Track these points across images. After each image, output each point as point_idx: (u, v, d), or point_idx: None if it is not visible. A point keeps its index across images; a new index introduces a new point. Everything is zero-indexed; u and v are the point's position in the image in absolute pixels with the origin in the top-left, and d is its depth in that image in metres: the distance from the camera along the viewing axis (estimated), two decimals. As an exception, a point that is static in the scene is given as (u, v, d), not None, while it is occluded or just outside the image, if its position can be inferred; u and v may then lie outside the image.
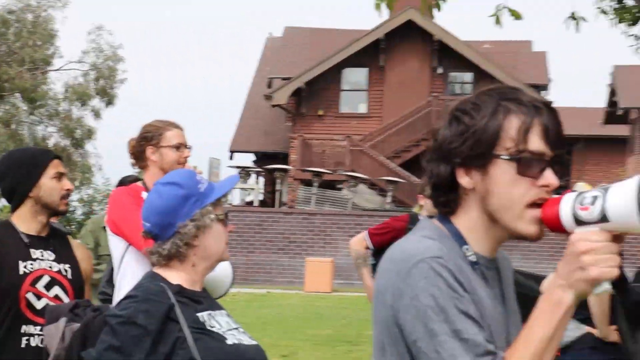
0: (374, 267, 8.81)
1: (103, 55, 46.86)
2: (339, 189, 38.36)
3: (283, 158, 42.23)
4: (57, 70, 47.24)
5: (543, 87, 44.42)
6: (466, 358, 2.21)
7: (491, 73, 42.45)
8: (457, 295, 2.26)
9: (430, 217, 2.61)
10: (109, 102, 47.62)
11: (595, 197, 2.18)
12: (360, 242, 8.92)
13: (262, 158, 44.07)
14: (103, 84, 46.66)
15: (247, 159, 46.78)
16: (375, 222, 29.72)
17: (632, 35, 16.36)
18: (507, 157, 2.32)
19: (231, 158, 46.39)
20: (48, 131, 46.71)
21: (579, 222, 2.20)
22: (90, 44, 48.43)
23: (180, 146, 6.03)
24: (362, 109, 44.06)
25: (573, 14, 14.02)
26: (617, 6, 15.85)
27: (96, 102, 47.00)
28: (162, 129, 6.05)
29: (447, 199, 2.47)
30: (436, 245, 2.36)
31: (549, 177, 2.32)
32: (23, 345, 4.95)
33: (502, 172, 2.34)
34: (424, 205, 8.66)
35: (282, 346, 14.68)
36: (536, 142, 2.32)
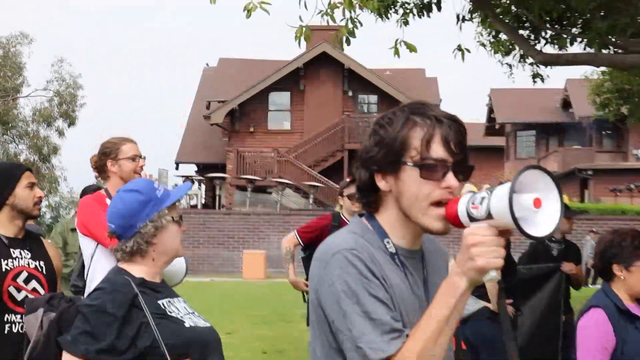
0: (305, 260, 8.87)
1: (65, 84, 46.20)
2: (269, 193, 38.19)
3: (221, 168, 41.78)
4: (25, 97, 46.53)
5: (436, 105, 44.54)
6: (374, 335, 2.26)
7: (392, 95, 42.37)
8: (367, 281, 2.31)
9: (361, 215, 2.64)
10: (71, 123, 46.77)
11: (483, 198, 2.23)
12: (291, 240, 8.79)
13: (203, 168, 43.56)
14: (65, 108, 45.81)
15: (190, 169, 46.07)
16: (300, 220, 29.71)
17: (506, 63, 16.47)
18: (411, 164, 2.38)
19: (177, 168, 45.45)
20: (19, 148, 45.86)
21: (472, 219, 2.26)
22: (53, 74, 47.61)
23: (136, 157, 5.98)
24: (287, 125, 43.77)
25: (459, 45, 13.98)
26: (493, 40, 15.99)
27: (60, 123, 46.27)
28: (119, 144, 6.00)
29: (370, 200, 2.54)
30: (353, 238, 2.44)
31: (450, 180, 2.38)
32: (6, 332, 4.86)
33: (409, 176, 2.40)
34: (343, 205, 8.70)
35: (226, 325, 14.26)
36: (437, 150, 2.38)
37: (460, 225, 2.34)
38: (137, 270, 3.70)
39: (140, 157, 6.05)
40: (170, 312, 3.69)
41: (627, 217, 32.70)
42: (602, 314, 4.92)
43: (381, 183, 2.48)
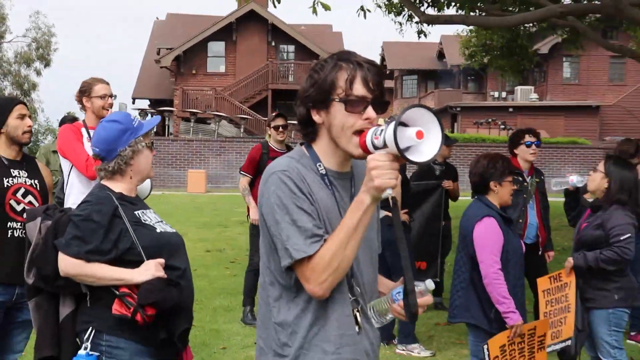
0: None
1: (41, 32, 45.41)
2: (208, 124, 37.99)
3: (169, 102, 41.44)
4: (8, 42, 45.67)
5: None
6: (298, 238, 2.39)
7: (307, 45, 42.30)
8: (295, 196, 2.42)
9: (302, 143, 2.69)
10: (47, 64, 46.16)
11: (382, 130, 2.28)
12: (242, 180, 8.59)
13: (155, 103, 43.05)
14: (42, 52, 45.17)
15: (144, 104, 45.69)
16: (234, 145, 29.58)
17: (397, 22, 16.44)
18: (338, 100, 2.46)
19: (133, 103, 44.99)
20: (3, 84, 45.13)
21: (375, 147, 2.31)
22: (31, 24, 46.99)
23: (105, 96, 5.85)
24: (222, 69, 43.39)
25: (362, 6, 14.02)
26: (387, 3, 15.95)
27: (37, 64, 45.56)
28: (92, 84, 5.89)
29: (308, 131, 2.61)
30: (288, 162, 2.53)
31: (369, 112, 2.44)
32: (9, 236, 4.88)
33: (337, 110, 2.46)
34: (271, 135, 8.62)
35: (177, 229, 14.54)
36: (359, 89, 2.45)
37: (369, 153, 2.37)
38: (117, 186, 3.77)
39: (111, 96, 5.93)
40: (145, 221, 3.77)
41: (486, 144, 33.46)
42: (494, 221, 5.08)
43: (316, 117, 2.56)
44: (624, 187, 5.58)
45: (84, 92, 5.90)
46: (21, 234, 4.92)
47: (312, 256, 2.38)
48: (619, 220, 5.49)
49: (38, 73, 46.55)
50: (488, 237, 5.05)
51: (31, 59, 44.82)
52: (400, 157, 2.27)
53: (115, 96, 6.10)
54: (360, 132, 2.45)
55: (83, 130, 5.81)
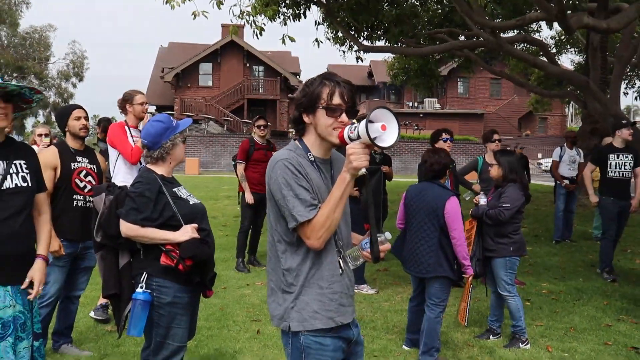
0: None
1: (76, 55, 44.66)
2: (200, 124, 37.66)
3: (171, 108, 41.02)
4: (52, 63, 44.87)
5: (297, 74, 44.32)
6: (300, 207, 2.49)
7: (272, 67, 42.17)
8: (296, 177, 2.51)
9: (295, 138, 2.74)
10: (80, 79, 45.47)
11: (355, 127, 2.41)
12: (239, 167, 8.42)
13: (159, 108, 42.45)
14: (77, 70, 44.52)
15: (152, 108, 45.31)
16: (219, 139, 29.08)
17: (341, 50, 16.26)
18: (321, 107, 2.57)
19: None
20: (49, 94, 44.34)
21: (351, 139, 2.44)
22: (69, 49, 46.61)
23: (143, 103, 6.00)
24: (210, 83, 42.99)
25: (316, 38, 14.07)
26: (334, 36, 15.87)
27: (73, 79, 44.84)
28: (133, 95, 6.01)
29: (299, 128, 2.69)
30: (288, 153, 2.59)
31: (343, 117, 2.56)
32: (74, 205, 4.92)
33: (321, 115, 2.57)
34: (255, 132, 8.54)
35: None
36: (337, 100, 2.55)
37: (346, 144, 2.48)
38: (159, 169, 3.84)
39: (146, 103, 6.08)
40: (180, 195, 3.84)
41: (404, 140, 33.97)
42: (457, 199, 5.16)
43: (306, 119, 2.65)
44: (511, 169, 5.70)
45: (127, 100, 6.01)
46: (83, 204, 5.00)
47: (311, 220, 2.48)
48: (510, 194, 5.62)
49: (74, 86, 45.87)
50: (457, 211, 5.09)
51: (69, 75, 44.06)
52: (371, 145, 2.38)
53: (148, 103, 6.22)
54: (337, 130, 2.56)
55: (126, 128, 5.92)
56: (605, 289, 7.86)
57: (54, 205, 4.83)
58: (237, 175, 8.66)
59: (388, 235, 2.68)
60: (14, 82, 3.30)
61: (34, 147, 7.87)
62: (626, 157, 8.40)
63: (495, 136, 8.08)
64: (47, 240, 3.59)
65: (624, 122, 8.72)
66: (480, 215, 5.74)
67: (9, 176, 3.29)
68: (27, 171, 3.42)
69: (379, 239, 2.64)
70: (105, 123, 8.19)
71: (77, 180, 4.99)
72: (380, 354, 5.42)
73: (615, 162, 8.37)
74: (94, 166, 5.17)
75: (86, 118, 5.15)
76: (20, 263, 3.35)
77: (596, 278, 8.49)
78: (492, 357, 5.44)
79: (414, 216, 5.26)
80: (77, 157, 5.07)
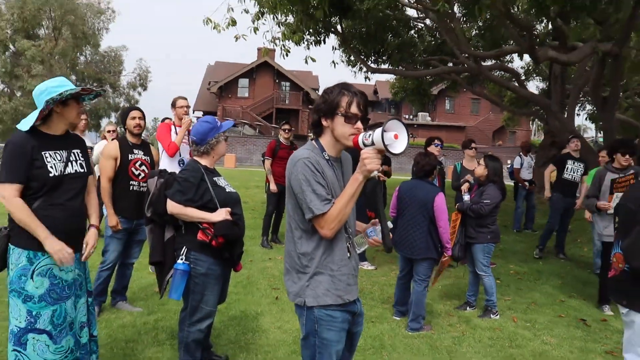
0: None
1: (142, 70, 44.77)
2: (237, 127, 37.72)
3: (215, 114, 40.96)
4: (123, 76, 45.03)
5: (316, 89, 44.20)
6: (317, 201, 2.37)
7: (297, 82, 42.06)
8: (314, 174, 2.39)
9: (312, 139, 2.61)
10: (145, 89, 45.48)
11: (369, 134, 2.30)
12: (266, 163, 8.30)
13: (206, 114, 42.60)
14: (142, 82, 44.61)
15: (199, 113, 45.41)
16: (251, 139, 28.92)
17: (352, 70, 16.28)
18: (340, 115, 2.44)
19: (193, 113, 44.83)
20: (120, 100, 44.46)
21: (365, 145, 2.32)
22: (136, 65, 47.20)
23: (182, 107, 6.01)
24: (246, 95, 42.88)
25: (333, 60, 14.20)
26: (347, 59, 15.81)
27: (139, 89, 44.96)
28: (176, 100, 6.08)
29: (317, 130, 2.54)
30: (307, 152, 2.45)
31: (359, 125, 2.43)
32: (131, 189, 4.87)
33: (339, 121, 2.44)
34: (281, 134, 8.43)
35: None
36: (354, 108, 2.43)
37: (360, 148, 2.36)
38: (204, 161, 3.77)
39: (187, 107, 6.11)
40: (219, 184, 3.76)
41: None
42: (443, 195, 5.13)
43: (324, 122, 2.50)
44: (496, 172, 5.67)
45: (172, 104, 6.14)
46: (137, 189, 4.93)
47: (326, 213, 2.38)
48: (491, 193, 5.58)
49: (139, 94, 46.02)
50: (444, 205, 5.07)
51: (136, 85, 44.19)
52: (383, 151, 2.27)
53: (190, 107, 6.22)
54: (352, 135, 2.44)
55: (172, 127, 6.03)
56: (560, 271, 7.89)
57: (115, 189, 4.91)
58: (264, 168, 8.55)
59: (390, 224, 2.62)
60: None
61: (103, 140, 7.95)
62: (579, 165, 8.60)
63: (472, 144, 8.24)
64: (97, 213, 3.52)
65: (570, 137, 9.18)
66: (465, 209, 5.67)
67: (69, 163, 3.24)
68: (83, 159, 3.36)
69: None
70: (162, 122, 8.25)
71: (133, 169, 4.93)
72: (377, 320, 5.34)
73: (571, 167, 8.57)
74: (148, 157, 5.10)
75: (140, 118, 5.06)
76: (79, 235, 3.33)
77: (553, 262, 8.55)
78: (469, 325, 5.37)
79: (407, 208, 5.18)
80: (134, 149, 5.01)
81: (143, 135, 5.25)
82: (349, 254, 2.55)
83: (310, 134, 43.64)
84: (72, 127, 3.38)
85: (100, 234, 5.49)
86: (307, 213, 2.41)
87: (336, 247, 2.50)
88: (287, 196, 2.56)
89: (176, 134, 5.95)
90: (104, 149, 5.03)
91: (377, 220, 2.68)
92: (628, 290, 3.15)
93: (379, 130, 2.25)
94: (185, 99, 6.15)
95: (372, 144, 2.30)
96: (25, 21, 35.50)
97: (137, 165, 4.95)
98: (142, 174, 4.96)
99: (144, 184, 4.91)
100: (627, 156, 5.95)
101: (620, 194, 5.71)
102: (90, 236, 3.37)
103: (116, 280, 5.20)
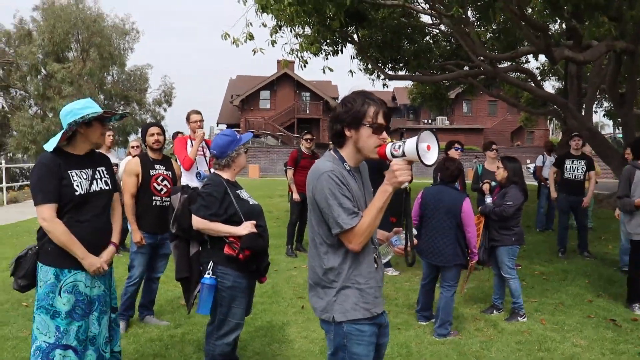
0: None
1: (166, 86, 44.88)
2: (260, 138, 37.81)
3: (237, 125, 41.18)
4: (149, 93, 45.24)
5: (335, 98, 44.13)
6: (344, 215, 2.24)
7: (316, 92, 42.16)
8: (340, 187, 2.26)
9: (331, 149, 2.49)
10: (169, 105, 45.55)
11: (400, 145, 2.20)
12: (289, 172, 8.23)
13: (229, 126, 42.67)
14: (166, 98, 44.67)
15: (223, 126, 45.56)
16: (274, 150, 29.08)
17: (370, 78, 16.27)
18: (368, 126, 2.31)
19: (217, 125, 44.67)
20: (146, 116, 44.57)
21: (394, 156, 2.22)
22: (161, 82, 47.50)
23: (196, 121, 5.94)
24: (268, 106, 43.00)
25: (350, 70, 14.14)
26: (365, 67, 15.73)
27: (164, 105, 45.14)
28: (190, 114, 6.01)
29: (340, 141, 2.40)
30: (330, 164, 2.33)
31: (384, 135, 2.33)
32: (153, 204, 4.81)
33: (365, 131, 2.31)
34: (303, 144, 8.36)
35: None
36: (381, 119, 2.32)
37: (386, 159, 2.28)
38: (225, 174, 3.69)
39: (201, 120, 6.02)
40: (242, 197, 3.68)
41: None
42: (469, 200, 4.98)
43: (347, 133, 2.37)
44: (515, 173, 5.52)
45: (187, 118, 6.09)
46: (160, 204, 4.87)
47: (354, 227, 2.26)
48: (513, 194, 5.41)
49: (165, 110, 46.25)
50: (471, 210, 4.95)
51: (161, 102, 44.33)
52: (412, 162, 2.21)
53: (203, 120, 6.11)
54: (378, 146, 2.32)
55: (188, 140, 5.94)
56: (586, 270, 7.62)
57: (138, 205, 4.86)
58: (287, 178, 8.49)
59: (414, 231, 2.57)
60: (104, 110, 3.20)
61: (129, 157, 7.97)
62: (579, 162, 8.46)
63: (494, 146, 8.16)
64: (118, 231, 3.44)
65: (573, 134, 9.04)
66: (487, 212, 5.51)
67: (95, 181, 3.23)
68: (108, 176, 3.34)
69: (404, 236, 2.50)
70: (176, 135, 8.32)
71: (155, 184, 4.87)
72: (402, 327, 5.18)
73: (570, 166, 8.46)
74: (170, 172, 5.02)
75: (159, 134, 4.98)
76: (102, 252, 3.27)
77: (578, 261, 8.27)
78: (496, 329, 5.18)
79: (432, 214, 5.01)
80: (155, 165, 4.94)
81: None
82: (376, 265, 2.44)
83: (331, 143, 43.37)
84: (97, 146, 3.34)
85: (126, 248, 5.44)
86: (334, 228, 2.29)
87: (363, 260, 2.38)
88: (309, 210, 2.43)
89: (191, 147, 5.91)
90: (125, 166, 4.99)
91: (400, 228, 2.58)
92: None
93: (411, 142, 2.16)
94: (199, 113, 6.10)
95: (403, 155, 2.20)
96: (55, 45, 36.00)
97: (159, 180, 4.89)
98: (165, 189, 4.89)
99: (167, 199, 4.85)
100: None
101: None
102: (106, 252, 3.27)
103: (143, 294, 5.13)
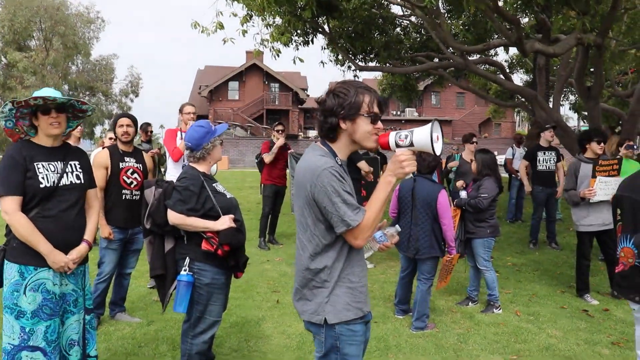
0: (258, 163, 8.62)
1: (133, 77, 44.26)
2: (229, 129, 37.50)
3: (206, 117, 40.77)
4: (116, 83, 44.49)
5: (305, 89, 43.91)
6: (350, 212, 2.13)
7: (286, 83, 41.86)
8: (341, 184, 2.16)
9: (317, 142, 2.36)
10: (136, 95, 44.81)
11: (407, 135, 2.16)
12: (267, 155, 8.05)
13: (198, 117, 42.42)
14: (133, 88, 44.05)
15: (191, 117, 45.23)
16: (243, 141, 28.77)
17: (341, 69, 16.27)
18: (366, 115, 2.21)
19: (184, 117, 44.63)
20: (112, 107, 43.89)
21: (398, 146, 2.17)
22: (128, 72, 46.85)
23: (189, 113, 5.87)
24: (237, 97, 42.61)
25: (321, 60, 14.10)
26: (336, 58, 15.69)
27: (131, 95, 44.42)
28: (184, 106, 5.94)
29: (332, 134, 2.27)
30: (326, 160, 2.20)
31: (380, 124, 2.24)
32: (123, 198, 4.65)
33: (362, 122, 2.21)
34: (275, 135, 8.22)
35: None
36: (376, 108, 2.23)
37: (388, 148, 2.23)
38: (201, 167, 3.56)
39: (194, 113, 5.97)
40: (218, 190, 3.56)
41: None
42: (445, 192, 4.95)
43: (343, 125, 2.24)
44: (487, 164, 5.53)
45: (180, 110, 5.99)
46: (130, 197, 4.72)
47: (361, 222, 2.16)
48: (487, 186, 5.42)
49: (132, 101, 45.54)
50: (447, 202, 4.89)
51: (128, 92, 43.63)
52: (417, 151, 2.20)
53: (196, 113, 6.04)
54: (374, 136, 2.26)
55: (178, 132, 5.86)
56: (556, 261, 7.77)
57: (107, 199, 4.70)
58: (259, 170, 8.42)
59: (398, 228, 2.50)
60: (72, 97, 3.06)
61: (99, 148, 7.76)
62: (550, 153, 8.53)
63: (474, 138, 8.18)
64: (92, 229, 3.27)
65: (547, 125, 9.10)
66: (463, 204, 5.49)
67: (65, 174, 3.09)
68: (81, 170, 3.21)
69: (389, 231, 2.46)
70: (145, 127, 8.15)
71: (124, 177, 4.71)
72: (380, 320, 5.14)
73: (542, 158, 8.51)
74: (140, 165, 4.86)
75: (129, 125, 4.80)
76: (71, 250, 3.12)
77: (548, 252, 8.42)
78: (472, 321, 5.20)
79: (409, 206, 4.97)
80: (125, 157, 4.79)
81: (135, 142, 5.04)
82: (365, 262, 2.37)
83: (300, 134, 43.65)
84: (67, 137, 3.22)
85: (96, 244, 5.28)
86: (339, 227, 2.16)
87: (356, 257, 2.30)
88: (304, 209, 2.27)
89: (181, 139, 5.79)
90: (94, 159, 4.80)
91: (385, 221, 2.51)
92: (639, 286, 3.00)
93: (423, 132, 2.12)
94: (193, 105, 6.04)
95: (411, 144, 2.16)
96: (16, 33, 35.07)
97: (128, 173, 4.74)
98: (135, 182, 4.75)
99: (137, 192, 4.72)
100: (602, 144, 5.97)
101: (605, 178, 5.66)
102: (75, 250, 3.11)
103: (114, 291, 4.98)
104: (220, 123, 5.17)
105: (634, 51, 14.65)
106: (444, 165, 9.11)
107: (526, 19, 14.54)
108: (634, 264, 2.99)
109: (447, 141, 35.69)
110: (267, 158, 8.11)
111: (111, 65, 42.72)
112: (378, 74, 22.65)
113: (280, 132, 8.27)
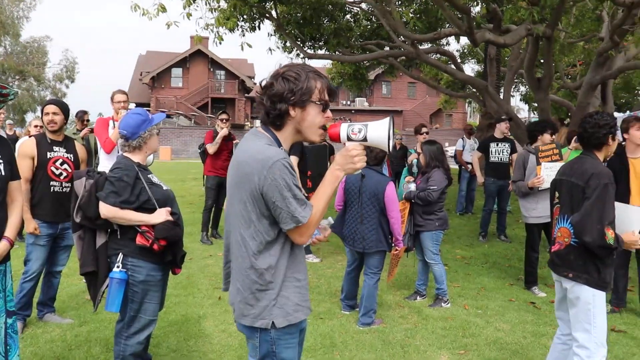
0: (201, 153, 8.52)
1: (68, 61, 42.94)
2: (172, 118, 36.87)
3: (148, 105, 39.89)
4: (49, 67, 43.11)
5: (252, 77, 43.57)
6: (300, 208, 2.01)
7: (232, 71, 41.48)
8: (293, 177, 2.03)
9: (257, 128, 2.23)
10: (72, 81, 43.63)
11: (360, 129, 2.09)
12: (210, 146, 7.94)
13: (139, 105, 41.37)
14: (69, 74, 42.79)
15: (132, 106, 44.07)
16: (186, 131, 28.37)
17: (289, 57, 16.18)
18: (317, 102, 2.10)
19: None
20: (45, 93, 42.49)
21: (349, 139, 2.10)
22: (63, 56, 45.28)
23: (120, 101, 5.53)
24: (180, 85, 41.95)
25: (269, 47, 13.94)
26: (284, 45, 15.58)
27: (66, 81, 43.10)
28: (115, 94, 5.61)
29: (279, 121, 2.12)
30: (276, 150, 2.06)
31: (329, 113, 2.17)
32: (52, 191, 4.47)
33: (312, 109, 2.10)
34: (218, 124, 8.13)
35: None
36: (327, 95, 2.13)
37: (337, 140, 2.15)
38: (136, 157, 3.45)
39: (125, 101, 5.64)
40: (154, 181, 3.46)
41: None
42: (393, 185, 4.94)
43: (292, 112, 2.10)
44: (432, 156, 5.59)
45: (111, 98, 5.67)
46: (59, 189, 4.55)
47: (310, 218, 2.08)
48: (436, 178, 5.48)
49: (67, 87, 44.13)
50: (395, 195, 4.89)
51: (62, 78, 42.27)
52: (366, 148, 2.16)
53: (128, 101, 5.74)
54: (321, 127, 2.17)
55: (110, 122, 5.53)
56: (506, 254, 7.95)
57: (34, 191, 4.50)
58: (202, 161, 8.28)
59: (330, 220, 2.46)
60: None
61: (26, 137, 7.43)
62: (504, 145, 8.69)
63: (424, 129, 8.26)
64: (14, 224, 3.10)
65: (502, 117, 9.29)
66: (412, 197, 5.52)
67: None
68: (1, 161, 3.01)
69: (322, 224, 2.39)
70: (81, 115, 7.89)
71: (52, 168, 4.52)
72: (326, 316, 5.15)
73: (495, 150, 8.67)
74: (71, 155, 4.68)
75: (55, 113, 4.59)
76: None
77: (498, 244, 8.61)
78: (420, 316, 5.26)
79: (356, 199, 4.96)
80: (53, 147, 4.59)
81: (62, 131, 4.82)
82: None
83: (247, 123, 43.29)
84: None
85: (23, 239, 5.07)
86: (287, 223, 2.05)
87: (300, 254, 2.21)
88: (244, 202, 2.12)
89: (114, 128, 5.57)
90: (19, 148, 4.59)
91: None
92: (574, 264, 3.22)
93: (378, 128, 2.08)
94: (125, 93, 5.75)
95: (364, 139, 2.09)
96: None
97: (57, 164, 4.55)
98: (65, 174, 4.56)
99: (67, 184, 4.54)
100: (553, 136, 6.23)
101: (549, 164, 5.84)
102: None
103: (42, 291, 4.79)
104: (161, 112, 5.03)
105: (582, 44, 15.17)
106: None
107: (477, 8, 14.82)
108: (570, 242, 3.24)
109: (398, 132, 36.20)
110: (211, 149, 8.00)
111: (44, 48, 41.33)
112: (327, 62, 22.70)
113: (224, 121, 8.16)
